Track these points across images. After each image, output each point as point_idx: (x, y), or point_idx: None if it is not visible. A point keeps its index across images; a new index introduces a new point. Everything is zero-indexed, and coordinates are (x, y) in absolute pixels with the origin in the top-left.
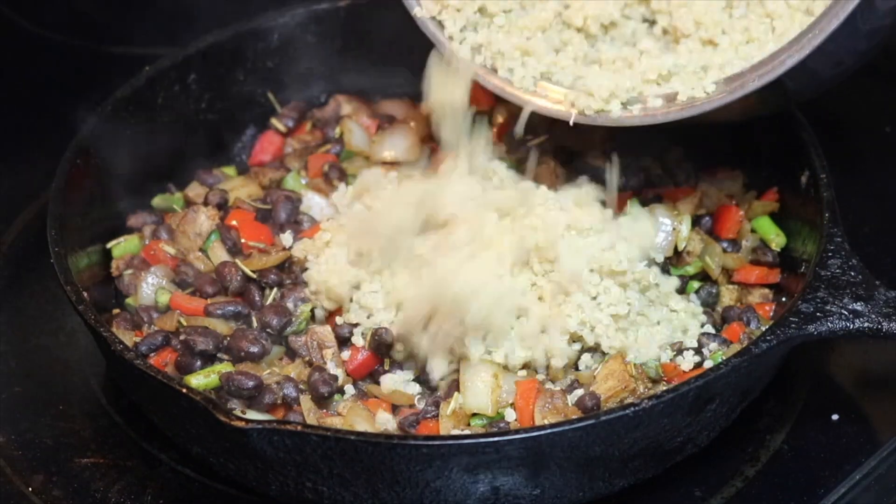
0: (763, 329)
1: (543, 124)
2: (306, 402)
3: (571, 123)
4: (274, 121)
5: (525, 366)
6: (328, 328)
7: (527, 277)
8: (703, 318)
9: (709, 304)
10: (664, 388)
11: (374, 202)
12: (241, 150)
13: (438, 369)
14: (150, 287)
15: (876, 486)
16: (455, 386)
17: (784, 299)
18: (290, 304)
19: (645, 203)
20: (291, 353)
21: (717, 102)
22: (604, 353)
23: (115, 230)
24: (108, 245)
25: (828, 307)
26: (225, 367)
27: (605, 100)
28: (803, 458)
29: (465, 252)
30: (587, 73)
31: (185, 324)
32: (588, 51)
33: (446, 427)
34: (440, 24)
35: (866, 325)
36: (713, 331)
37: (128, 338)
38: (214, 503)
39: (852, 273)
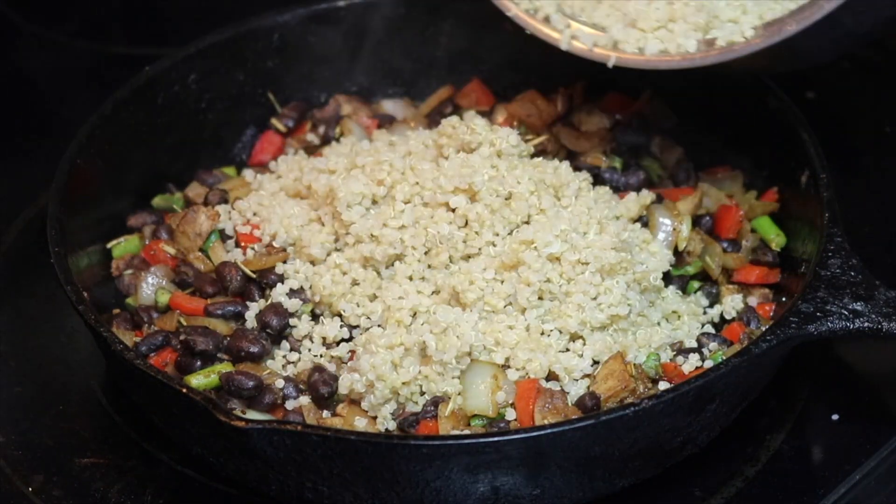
0: (763, 329)
1: (544, 125)
2: (306, 402)
3: (611, 66)
4: (274, 121)
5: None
6: (329, 327)
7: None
8: (703, 318)
9: (709, 304)
10: (664, 388)
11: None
12: (241, 150)
13: None
14: (150, 287)
15: (876, 486)
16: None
17: (784, 299)
18: (289, 305)
19: None
20: (291, 353)
21: (755, 47)
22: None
23: (115, 230)
24: (108, 245)
25: (828, 307)
26: (225, 367)
27: (650, 30)
28: (803, 458)
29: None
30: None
31: (185, 324)
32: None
33: (445, 428)
34: None
35: (866, 325)
36: (713, 331)
37: (128, 338)
38: (214, 503)
39: (852, 273)
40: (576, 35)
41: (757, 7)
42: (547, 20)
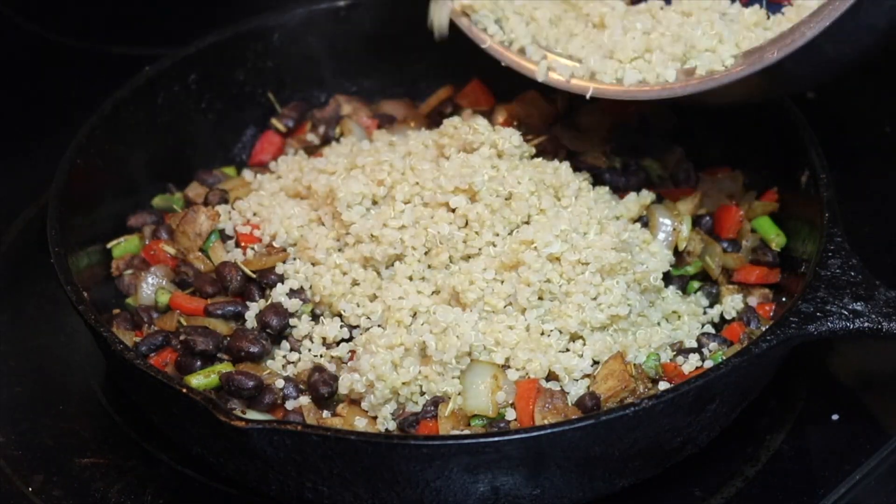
0: (763, 329)
1: (544, 125)
2: (306, 402)
3: (588, 97)
4: (274, 121)
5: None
6: (329, 327)
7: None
8: (703, 318)
9: (709, 304)
10: (664, 387)
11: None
12: (241, 150)
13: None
14: (150, 287)
15: (876, 486)
16: None
17: (784, 299)
18: (289, 305)
19: None
20: (291, 353)
21: (735, 75)
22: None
23: (115, 230)
24: (108, 245)
25: (828, 307)
26: (225, 367)
27: (627, 60)
28: (803, 458)
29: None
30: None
31: (185, 324)
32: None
33: (445, 428)
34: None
35: (866, 325)
36: (713, 331)
37: (128, 338)
38: (214, 503)
39: (852, 273)
40: (552, 67)
41: (733, 35)
42: (522, 52)
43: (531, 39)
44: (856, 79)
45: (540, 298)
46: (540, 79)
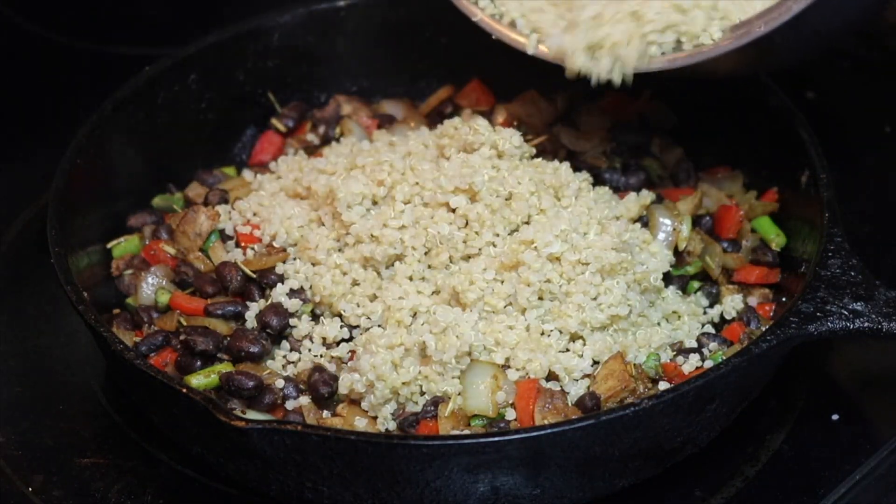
0: (763, 329)
1: (544, 125)
2: (306, 402)
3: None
4: (274, 121)
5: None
6: (329, 327)
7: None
8: (703, 318)
9: (709, 304)
10: (664, 387)
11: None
12: (241, 150)
13: None
14: (150, 287)
15: (876, 486)
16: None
17: (784, 299)
18: (289, 305)
19: None
20: (291, 353)
21: (723, 49)
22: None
23: (115, 230)
24: (108, 245)
25: (828, 307)
26: (225, 367)
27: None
28: (803, 458)
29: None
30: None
31: (185, 324)
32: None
33: (445, 428)
34: None
35: (866, 325)
36: (713, 331)
37: (128, 338)
38: (214, 503)
39: (852, 273)
40: (542, 39)
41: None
42: (513, 25)
43: (521, 13)
44: (856, 79)
45: (540, 298)
46: (530, 51)
